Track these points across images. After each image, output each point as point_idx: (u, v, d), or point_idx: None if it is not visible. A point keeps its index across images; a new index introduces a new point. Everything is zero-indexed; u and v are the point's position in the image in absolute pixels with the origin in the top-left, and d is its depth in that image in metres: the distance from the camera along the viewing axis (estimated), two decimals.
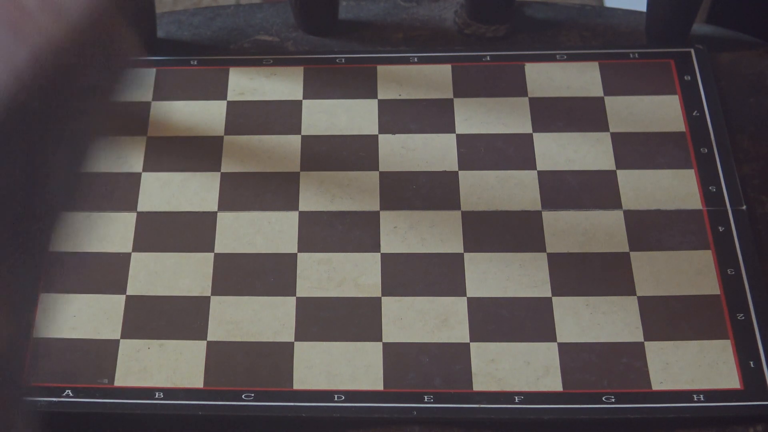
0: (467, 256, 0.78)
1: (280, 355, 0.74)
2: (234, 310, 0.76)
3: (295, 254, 0.79)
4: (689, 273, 0.77)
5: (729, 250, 0.78)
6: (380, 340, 0.75)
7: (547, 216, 0.80)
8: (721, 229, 0.79)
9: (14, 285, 0.45)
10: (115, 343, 0.75)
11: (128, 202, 0.82)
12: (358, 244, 0.79)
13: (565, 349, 0.74)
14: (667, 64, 0.88)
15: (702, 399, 0.72)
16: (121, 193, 0.82)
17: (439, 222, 0.80)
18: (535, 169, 0.83)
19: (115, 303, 0.77)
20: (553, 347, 0.74)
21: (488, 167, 0.83)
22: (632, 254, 0.78)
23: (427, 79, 0.88)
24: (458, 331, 0.75)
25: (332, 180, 0.82)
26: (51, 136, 0.43)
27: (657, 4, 0.88)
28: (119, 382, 0.74)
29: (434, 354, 0.74)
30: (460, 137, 0.84)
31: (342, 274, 0.78)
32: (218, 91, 0.88)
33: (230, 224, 0.80)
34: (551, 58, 0.89)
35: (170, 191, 0.82)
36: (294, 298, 0.77)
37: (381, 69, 0.89)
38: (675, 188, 0.81)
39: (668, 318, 0.75)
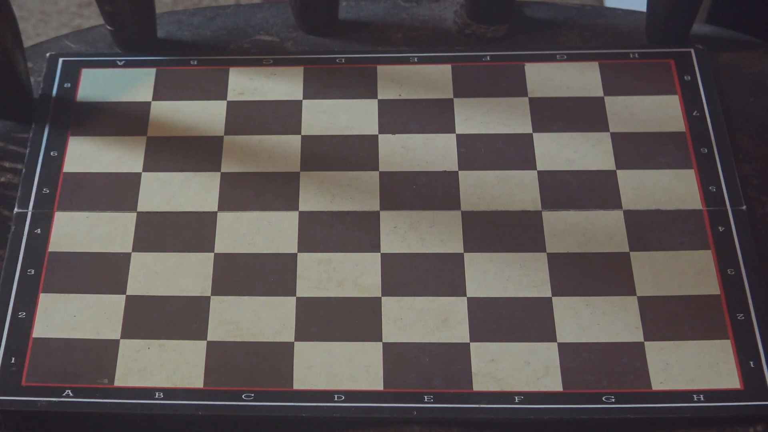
0: (467, 256, 0.78)
1: (280, 355, 0.74)
2: (234, 310, 0.77)
3: (295, 254, 0.79)
4: (689, 273, 0.77)
5: (729, 250, 0.78)
6: (380, 340, 0.75)
7: (547, 216, 0.80)
8: (721, 229, 0.79)
9: None
10: (115, 343, 0.75)
11: (128, 202, 0.82)
12: (358, 244, 0.79)
13: (565, 349, 0.74)
14: (667, 64, 0.88)
15: (702, 399, 0.72)
16: (121, 193, 0.82)
17: (439, 222, 0.80)
18: (535, 169, 0.83)
19: (115, 303, 0.77)
20: (553, 347, 0.74)
21: (488, 167, 0.83)
22: (632, 254, 0.78)
23: (427, 79, 0.88)
24: (458, 331, 0.75)
25: (332, 180, 0.82)
26: None
27: (657, 4, 0.88)
28: (119, 382, 0.74)
29: (434, 354, 0.74)
30: (460, 137, 0.85)
31: (342, 274, 0.78)
32: (218, 91, 0.88)
33: (230, 224, 0.81)
34: (551, 58, 0.89)
35: (170, 191, 0.82)
36: (294, 298, 0.77)
37: (381, 69, 0.89)
38: (675, 188, 0.81)
39: (668, 318, 0.75)
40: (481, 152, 0.84)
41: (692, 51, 0.89)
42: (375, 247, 0.79)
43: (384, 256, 0.79)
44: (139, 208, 0.81)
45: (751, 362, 0.73)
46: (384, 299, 0.77)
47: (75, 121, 0.86)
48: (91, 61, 0.90)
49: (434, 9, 0.94)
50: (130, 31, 0.89)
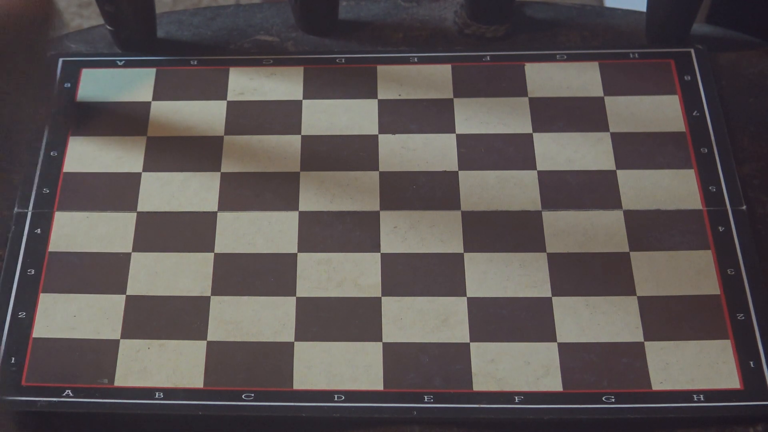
0: (467, 256, 0.78)
1: (280, 355, 0.74)
2: (234, 310, 0.77)
3: (295, 254, 0.79)
4: (689, 273, 0.77)
5: (729, 250, 0.78)
6: (380, 340, 0.75)
7: (547, 216, 0.80)
8: (721, 229, 0.79)
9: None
10: (115, 343, 0.75)
11: (128, 202, 0.82)
12: (358, 244, 0.79)
13: (565, 349, 0.74)
14: (667, 64, 0.88)
15: (702, 399, 0.72)
16: (121, 193, 0.82)
17: (439, 222, 0.80)
18: (535, 169, 0.83)
19: (115, 303, 0.77)
20: (553, 347, 0.74)
21: (488, 167, 0.83)
22: (632, 254, 0.78)
23: (427, 79, 0.88)
24: (458, 331, 0.75)
25: (332, 180, 0.82)
26: None
27: (657, 4, 0.88)
28: (119, 382, 0.74)
29: (434, 354, 0.74)
30: (460, 137, 0.84)
31: (342, 274, 0.78)
32: (218, 91, 0.88)
33: (230, 224, 0.81)
34: (551, 58, 0.89)
35: (170, 191, 0.82)
36: (294, 298, 0.77)
37: (381, 69, 0.89)
38: (675, 188, 0.81)
39: (668, 318, 0.75)
40: (481, 152, 0.84)
41: (692, 51, 0.89)
42: (375, 247, 0.79)
43: (384, 256, 0.79)
44: (139, 208, 0.81)
45: (751, 362, 0.73)
46: (384, 299, 0.77)
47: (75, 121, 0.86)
48: (91, 61, 0.90)
49: (434, 9, 0.94)
50: (130, 31, 0.89)
